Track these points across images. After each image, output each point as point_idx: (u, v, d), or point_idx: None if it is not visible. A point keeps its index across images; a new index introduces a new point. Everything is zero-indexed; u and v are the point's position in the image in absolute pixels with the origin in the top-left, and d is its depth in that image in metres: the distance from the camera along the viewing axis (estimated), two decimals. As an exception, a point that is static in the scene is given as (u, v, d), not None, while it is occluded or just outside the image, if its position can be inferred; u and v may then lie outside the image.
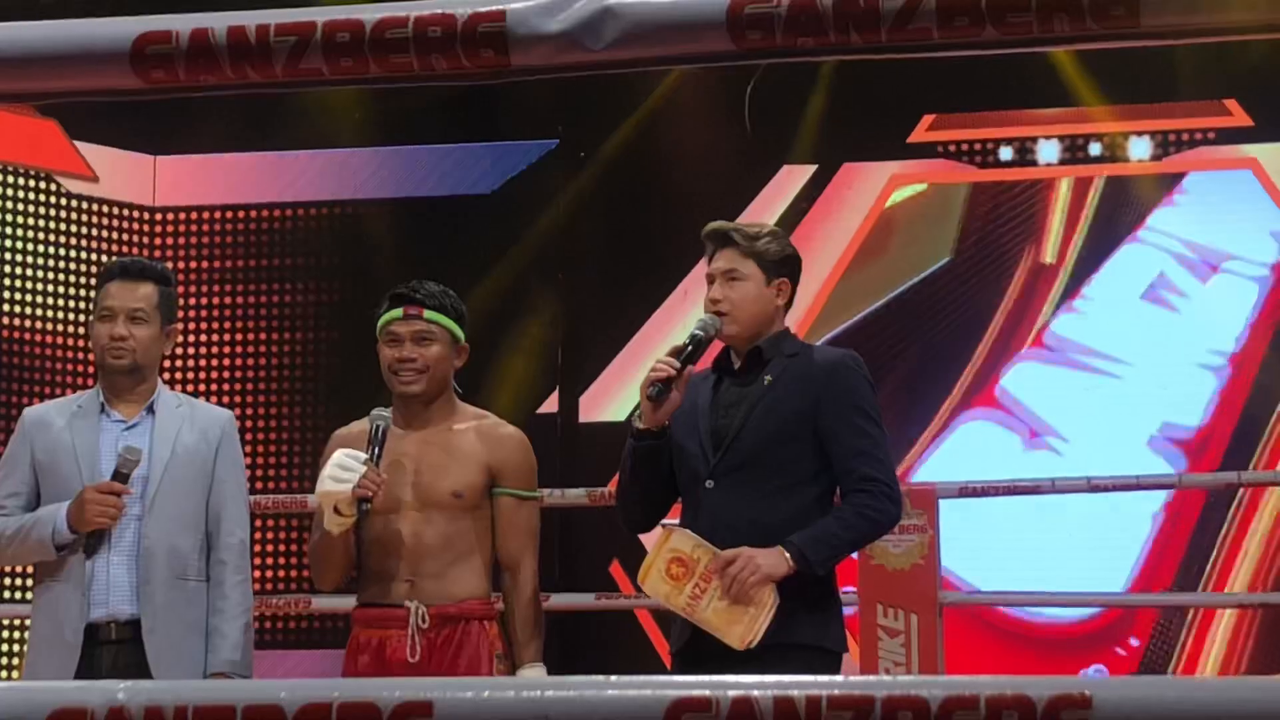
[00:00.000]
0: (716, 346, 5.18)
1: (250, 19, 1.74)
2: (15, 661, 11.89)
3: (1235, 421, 12.01)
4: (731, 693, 1.63)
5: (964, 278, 12.55)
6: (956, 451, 12.07)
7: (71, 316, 12.37)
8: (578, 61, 1.73)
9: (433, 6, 1.73)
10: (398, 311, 5.27)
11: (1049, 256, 12.50)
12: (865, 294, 12.53)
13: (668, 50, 1.73)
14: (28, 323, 12.65)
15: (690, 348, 4.99)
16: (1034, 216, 12.62)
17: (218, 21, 1.74)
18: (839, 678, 1.63)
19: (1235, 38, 1.70)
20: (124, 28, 1.75)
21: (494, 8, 1.73)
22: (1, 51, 1.81)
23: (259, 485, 11.98)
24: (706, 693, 1.63)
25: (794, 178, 12.74)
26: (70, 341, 12.46)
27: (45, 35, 1.80)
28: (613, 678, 1.68)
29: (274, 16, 1.74)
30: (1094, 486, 8.91)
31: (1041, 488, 8.55)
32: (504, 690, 1.71)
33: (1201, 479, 10.44)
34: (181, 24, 1.75)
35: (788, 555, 4.83)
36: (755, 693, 1.63)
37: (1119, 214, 12.50)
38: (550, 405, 12.56)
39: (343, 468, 5.05)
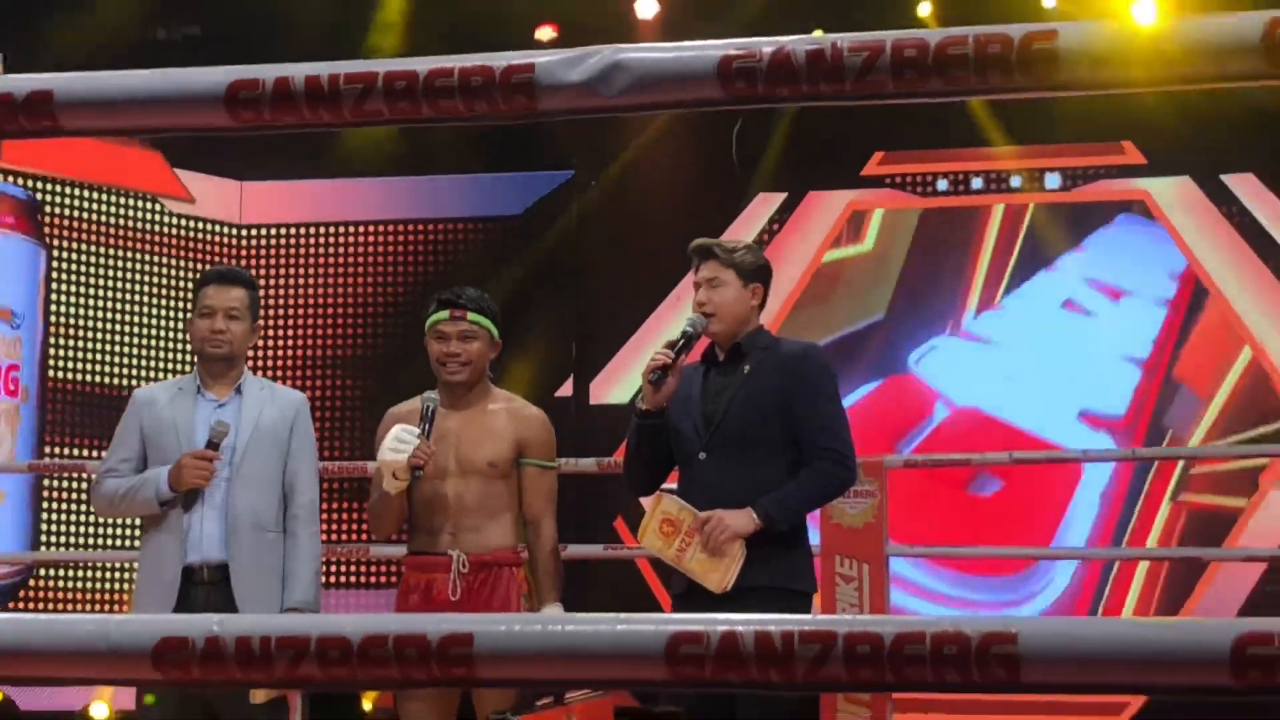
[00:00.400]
0: (704, 342, 5.20)
1: (323, 69, 1.73)
2: (124, 597, 11.92)
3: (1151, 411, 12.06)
4: (720, 628, 1.62)
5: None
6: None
7: (173, 313, 12.44)
8: (593, 106, 1.72)
9: (474, 59, 1.72)
10: (444, 313, 5.27)
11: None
12: (811, 326, 12.55)
13: (668, 97, 1.73)
14: (138, 318, 12.67)
15: (682, 341, 5.04)
16: (964, 269, 12.67)
17: (296, 71, 1.74)
18: (808, 616, 1.63)
19: (1136, 90, 1.68)
20: (219, 76, 1.75)
21: (525, 61, 1.72)
22: (122, 95, 1.80)
23: (326, 453, 12.04)
24: (700, 628, 1.63)
25: (768, 203, 12.79)
26: (171, 334, 12.50)
27: (157, 81, 1.79)
28: (622, 615, 1.67)
29: (343, 67, 1.74)
30: (1015, 460, 8.92)
31: (972, 461, 8.54)
32: (531, 624, 1.70)
33: (1106, 453, 10.38)
34: (267, 73, 1.74)
35: (755, 515, 4.90)
36: (739, 628, 1.62)
37: (1038, 250, 12.53)
38: (566, 389, 12.60)
39: (400, 440, 5.08)
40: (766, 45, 1.70)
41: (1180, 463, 11.89)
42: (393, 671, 1.66)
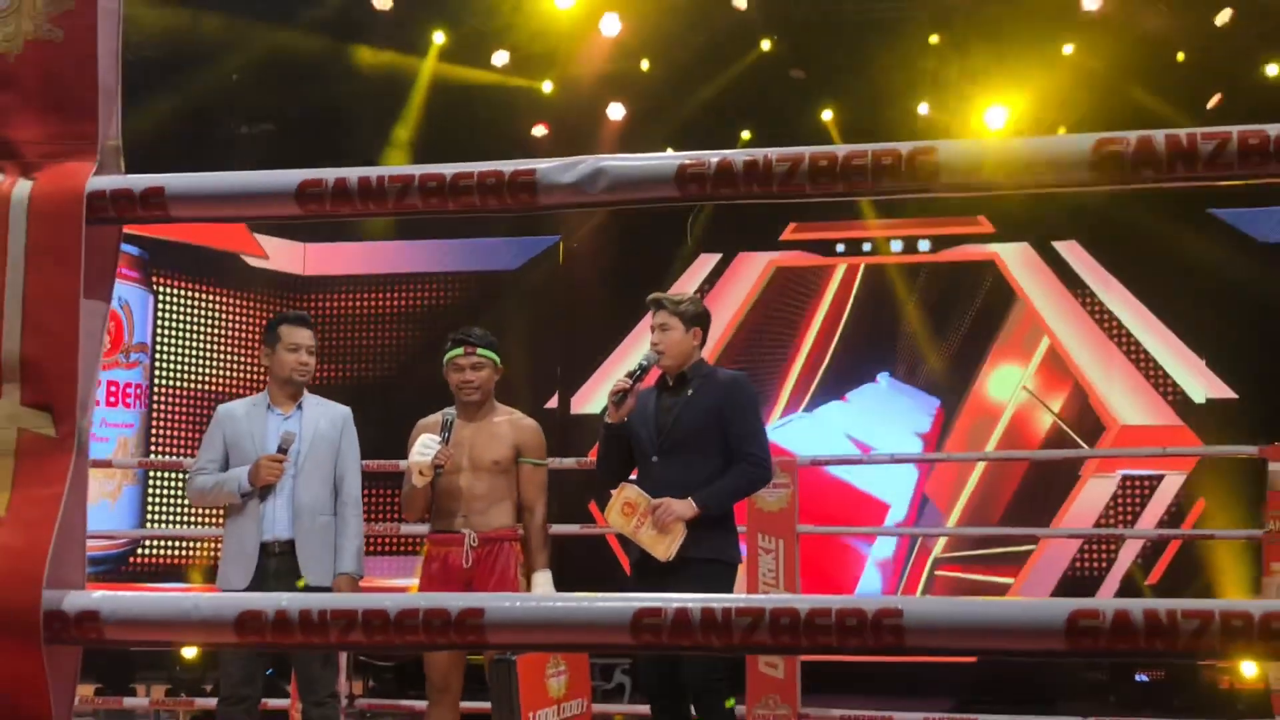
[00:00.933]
0: (659, 372, 5.23)
1: (372, 172, 1.73)
2: (196, 563, 11.95)
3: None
4: (674, 604, 1.61)
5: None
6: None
7: (249, 343, 12.46)
8: (581, 202, 1.72)
9: (489, 166, 1.72)
10: (460, 350, 5.30)
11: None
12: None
13: (638, 195, 1.72)
14: (222, 347, 12.65)
15: (638, 371, 5.15)
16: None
17: (351, 174, 1.73)
18: (742, 595, 1.62)
19: (996, 192, 1.68)
20: (292, 177, 1.74)
21: (528, 167, 1.72)
22: (218, 191, 1.80)
23: (368, 454, 12.04)
24: (659, 604, 1.62)
25: (708, 261, 12.84)
26: (247, 359, 12.50)
27: (244, 181, 1.78)
28: (598, 595, 1.66)
29: (387, 171, 1.73)
30: (895, 459, 8.93)
31: (872, 459, 8.55)
32: (529, 603, 1.69)
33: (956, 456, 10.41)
34: (328, 174, 1.73)
35: (694, 503, 4.96)
36: (689, 604, 1.61)
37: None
38: (553, 403, 12.63)
39: (425, 445, 5.10)
40: (713, 156, 1.70)
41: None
42: (421, 637, 1.65)
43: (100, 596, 1.70)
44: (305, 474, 5.31)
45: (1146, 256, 11.98)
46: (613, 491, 5.09)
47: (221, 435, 5.38)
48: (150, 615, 1.71)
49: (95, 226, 1.73)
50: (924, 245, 12.62)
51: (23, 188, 1.73)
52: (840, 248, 12.79)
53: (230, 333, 12.63)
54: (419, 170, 1.70)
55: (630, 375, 5.15)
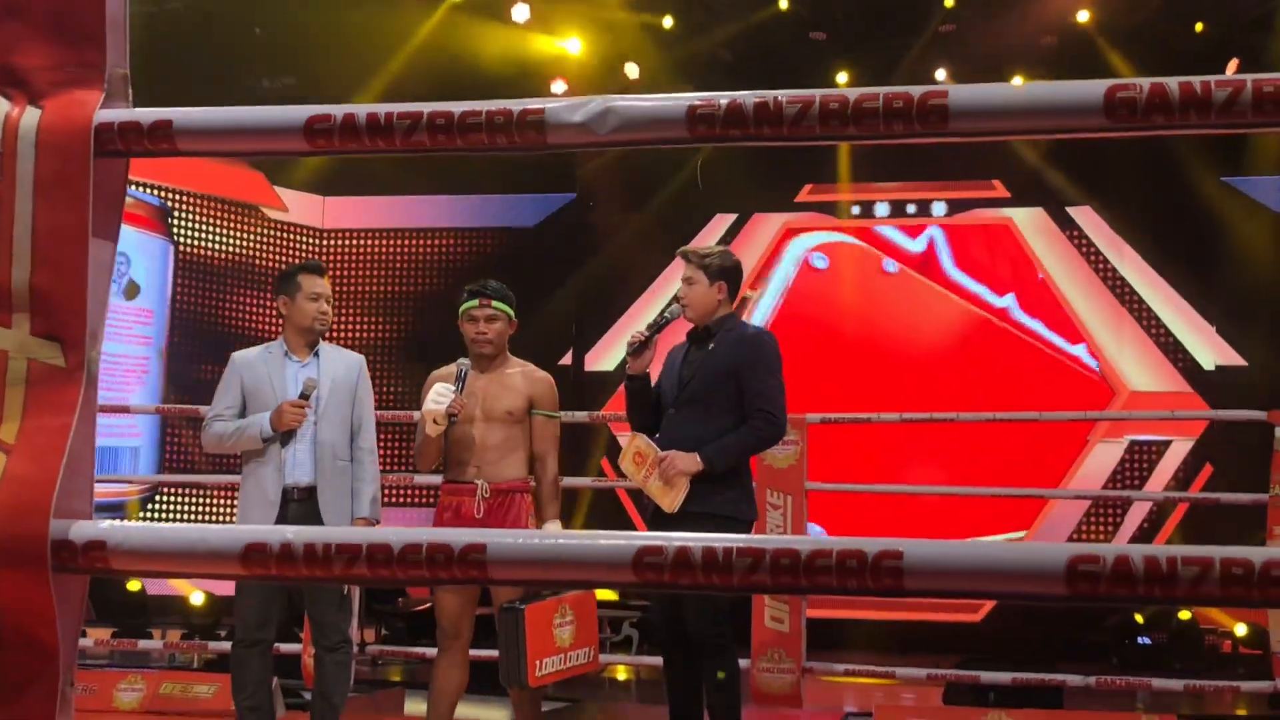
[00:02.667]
0: (685, 325, 5.23)
1: (380, 108, 1.71)
2: (211, 508, 11.97)
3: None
4: (675, 543, 1.60)
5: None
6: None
7: (266, 294, 12.45)
8: (590, 142, 1.70)
9: (497, 104, 1.70)
10: (475, 301, 5.26)
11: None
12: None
13: (647, 135, 1.70)
14: (239, 297, 12.66)
15: (659, 323, 5.11)
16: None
17: (359, 109, 1.71)
18: (743, 536, 1.60)
19: (1007, 138, 1.66)
20: (300, 112, 1.72)
21: (537, 105, 1.70)
22: (225, 125, 1.78)
23: (383, 405, 12.11)
24: (660, 543, 1.60)
25: (723, 221, 12.79)
26: (263, 308, 12.50)
27: (252, 115, 1.76)
28: (601, 532, 1.65)
29: (395, 108, 1.71)
30: (904, 419, 8.89)
31: (872, 420, 8.51)
32: (531, 539, 1.68)
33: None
34: (336, 110, 1.72)
35: (699, 458, 4.92)
36: (690, 543, 1.60)
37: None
38: (567, 359, 12.62)
39: (440, 394, 5.08)
40: (723, 98, 1.68)
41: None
42: (424, 572, 1.64)
43: (108, 526, 1.69)
44: (325, 420, 5.30)
45: (1160, 223, 11.93)
46: (624, 439, 5.07)
47: (239, 382, 5.36)
48: (157, 546, 1.71)
49: (103, 159, 1.71)
50: (939, 209, 12.56)
51: (31, 117, 1.72)
52: (855, 210, 12.74)
53: (250, 284, 12.64)
54: (427, 107, 1.68)
55: (650, 326, 5.13)
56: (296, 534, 1.66)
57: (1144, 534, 11.69)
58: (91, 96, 1.74)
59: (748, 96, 1.66)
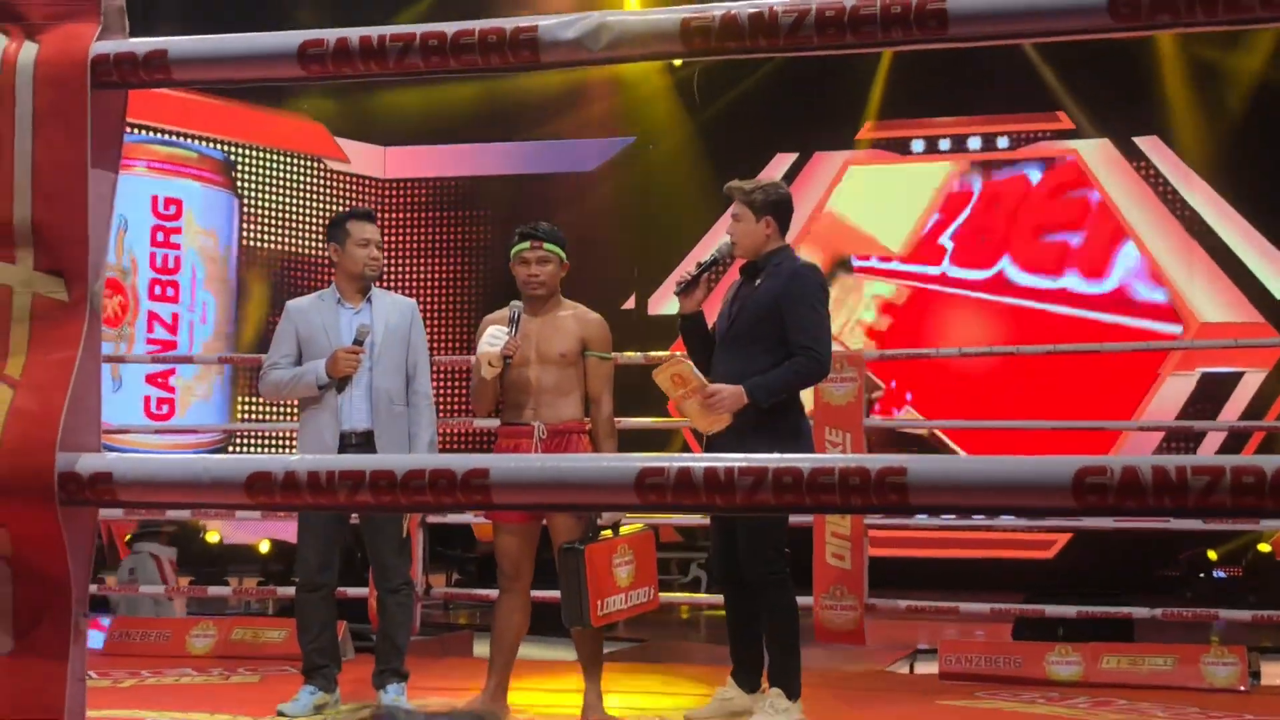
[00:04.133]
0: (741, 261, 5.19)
1: (373, 31, 1.69)
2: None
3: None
4: (676, 464, 1.57)
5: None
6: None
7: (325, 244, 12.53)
8: (584, 59, 1.67)
9: (490, 23, 1.67)
10: (526, 244, 5.22)
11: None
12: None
13: (642, 51, 1.67)
14: (303, 248, 12.77)
15: (710, 261, 5.09)
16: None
17: (352, 33, 1.69)
18: (742, 455, 1.57)
19: (1010, 41, 1.61)
20: (293, 37, 1.70)
21: (530, 23, 1.67)
22: (220, 53, 1.76)
23: (441, 349, 12.22)
24: (662, 464, 1.58)
25: (784, 161, 12.70)
26: (323, 258, 12.61)
27: (245, 42, 1.75)
28: (604, 455, 1.63)
29: (388, 30, 1.69)
30: (963, 354, 8.79)
31: (928, 355, 8.43)
32: (533, 463, 1.66)
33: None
34: (329, 34, 1.70)
35: (743, 392, 4.86)
36: (690, 464, 1.57)
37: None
38: (630, 303, 12.62)
39: (494, 336, 5.05)
40: (717, 9, 1.64)
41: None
42: (428, 498, 1.63)
43: (113, 458, 1.69)
44: (380, 365, 5.32)
45: (1228, 151, 11.69)
46: (666, 356, 5.03)
47: (294, 331, 5.39)
48: (162, 477, 1.71)
49: (101, 91, 1.70)
50: (1002, 142, 12.40)
51: (28, 51, 1.71)
52: (918, 146, 12.59)
53: (314, 235, 12.74)
54: (420, 29, 1.66)
55: (700, 264, 5.08)
56: (299, 462, 1.65)
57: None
58: (88, 29, 1.73)
59: (742, 7, 1.62)
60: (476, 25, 1.65)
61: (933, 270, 12.48)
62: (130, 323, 11.62)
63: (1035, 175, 12.32)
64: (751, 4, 1.61)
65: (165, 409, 11.67)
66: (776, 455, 1.54)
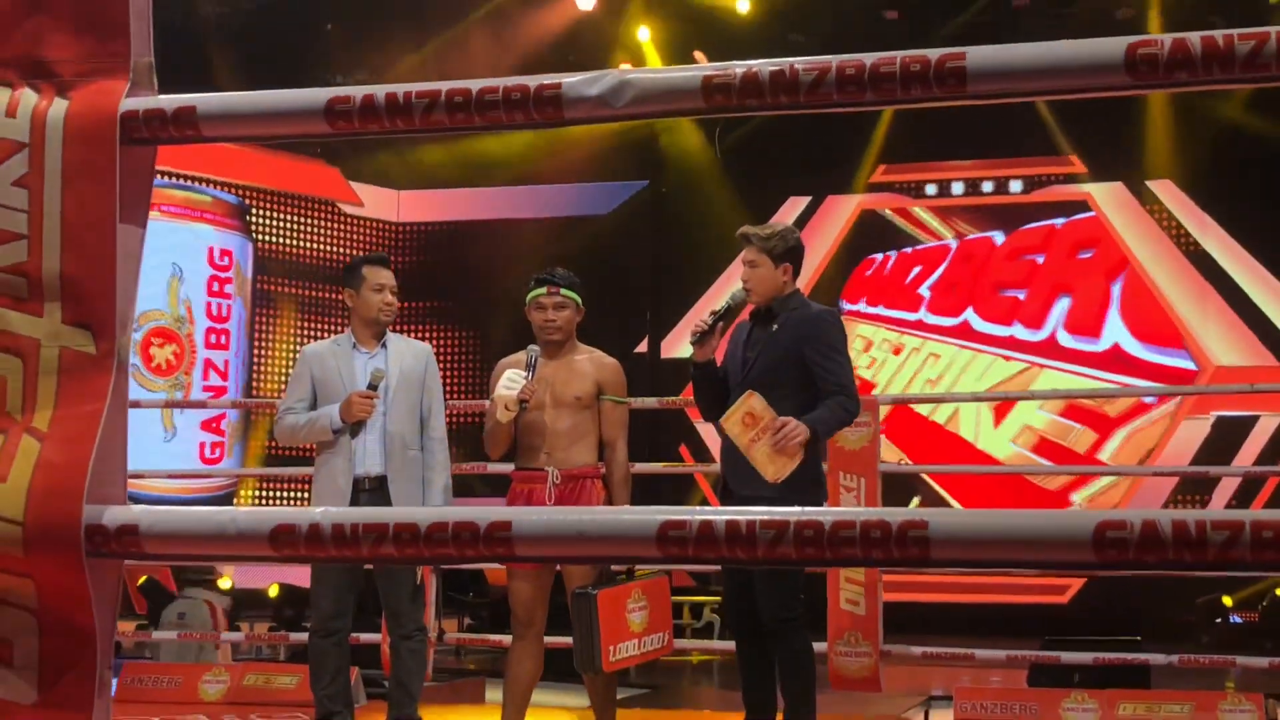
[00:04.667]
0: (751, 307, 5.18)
1: (399, 88, 1.71)
2: (295, 501, 12.12)
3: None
4: (698, 517, 1.59)
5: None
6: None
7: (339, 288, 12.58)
8: (607, 115, 1.69)
9: (514, 80, 1.70)
10: (542, 290, 5.25)
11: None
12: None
13: (663, 108, 1.69)
14: (317, 291, 12.82)
15: (724, 309, 5.07)
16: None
17: (378, 90, 1.71)
18: (764, 509, 1.58)
19: (1027, 99, 1.63)
20: (320, 94, 1.73)
21: (553, 81, 1.69)
22: (248, 109, 1.79)
23: (456, 394, 12.24)
24: (684, 517, 1.59)
25: (797, 205, 12.74)
26: (336, 302, 12.67)
27: (273, 99, 1.77)
28: (626, 508, 1.64)
29: (414, 87, 1.71)
30: (977, 398, 8.78)
31: (945, 399, 8.43)
32: (556, 515, 1.68)
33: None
34: (355, 91, 1.72)
35: (806, 426, 4.78)
36: (713, 517, 1.59)
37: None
38: (643, 347, 12.64)
39: (511, 380, 5.08)
40: (738, 66, 1.66)
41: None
42: (450, 550, 1.64)
43: (140, 511, 1.71)
44: (394, 410, 5.33)
45: (1242, 195, 11.71)
46: (737, 400, 4.80)
47: (309, 375, 5.41)
48: (188, 529, 1.72)
49: (130, 147, 1.73)
50: (1015, 186, 12.42)
51: (59, 108, 1.74)
52: (931, 189, 12.62)
53: (328, 279, 12.78)
54: (445, 85, 1.68)
55: (714, 313, 5.06)
56: (324, 515, 1.66)
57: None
58: (118, 85, 1.75)
59: (764, 66, 1.64)
60: (501, 83, 1.67)
61: (951, 322, 12.45)
62: (187, 371, 11.76)
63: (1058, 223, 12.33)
64: (772, 62, 1.64)
65: (218, 453, 11.87)
66: (798, 509, 1.55)
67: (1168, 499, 11.68)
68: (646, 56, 11.94)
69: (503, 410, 5.07)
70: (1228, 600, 10.36)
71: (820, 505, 5.03)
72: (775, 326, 5.06)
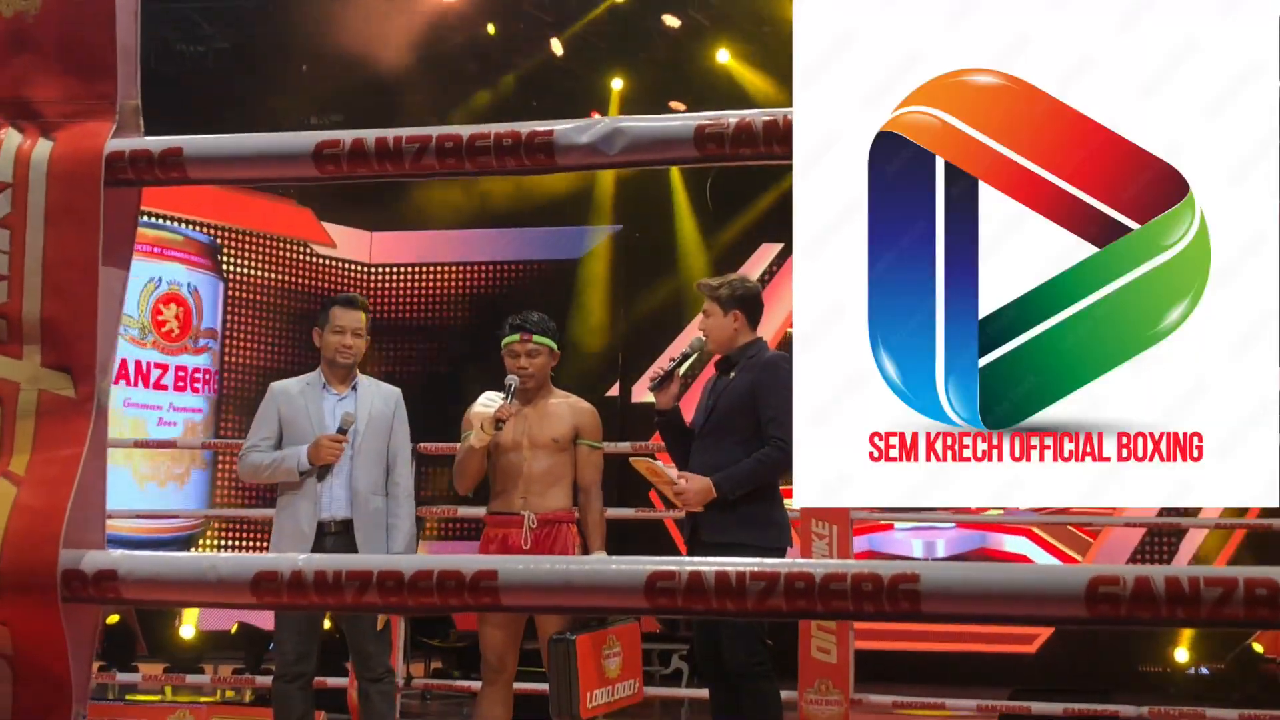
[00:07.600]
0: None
1: (389, 133, 1.70)
2: (260, 545, 12.00)
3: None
4: (688, 568, 1.57)
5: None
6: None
7: (310, 329, 12.49)
8: (598, 163, 1.69)
9: (506, 126, 1.69)
10: (516, 336, 5.22)
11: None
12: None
13: (656, 156, 1.68)
14: (287, 332, 12.76)
15: (682, 358, 5.17)
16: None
17: (368, 134, 1.70)
18: (756, 560, 1.57)
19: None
20: (309, 138, 1.72)
21: (545, 127, 1.68)
22: (235, 152, 1.77)
23: (425, 435, 12.14)
24: (673, 568, 1.58)
25: (769, 251, 12.77)
26: (310, 340, 12.58)
27: (261, 142, 1.76)
28: (614, 557, 1.63)
29: (404, 131, 1.70)
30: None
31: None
32: (542, 564, 1.66)
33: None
34: (345, 135, 1.71)
35: (711, 485, 4.92)
36: (703, 568, 1.57)
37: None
38: (614, 390, 12.61)
39: (489, 399, 5.06)
40: (732, 116, 1.66)
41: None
42: (434, 599, 1.62)
43: (119, 556, 1.68)
44: (361, 455, 5.28)
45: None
46: (641, 461, 5.10)
47: (276, 413, 5.35)
48: (167, 575, 1.70)
49: (114, 189, 1.71)
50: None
51: (43, 149, 1.72)
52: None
53: (299, 319, 12.73)
54: (436, 131, 1.67)
55: (673, 361, 5.12)
56: (307, 561, 1.64)
57: (1201, 561, 11.51)
58: (103, 127, 1.74)
59: (758, 116, 1.64)
60: (492, 129, 1.67)
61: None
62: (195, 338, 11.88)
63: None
64: (766, 112, 1.64)
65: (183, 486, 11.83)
66: (788, 560, 1.54)
67: (1135, 548, 11.71)
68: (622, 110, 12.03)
69: (478, 431, 5.05)
70: (1259, 647, 10.20)
71: (784, 547, 5.04)
72: (732, 375, 5.10)
